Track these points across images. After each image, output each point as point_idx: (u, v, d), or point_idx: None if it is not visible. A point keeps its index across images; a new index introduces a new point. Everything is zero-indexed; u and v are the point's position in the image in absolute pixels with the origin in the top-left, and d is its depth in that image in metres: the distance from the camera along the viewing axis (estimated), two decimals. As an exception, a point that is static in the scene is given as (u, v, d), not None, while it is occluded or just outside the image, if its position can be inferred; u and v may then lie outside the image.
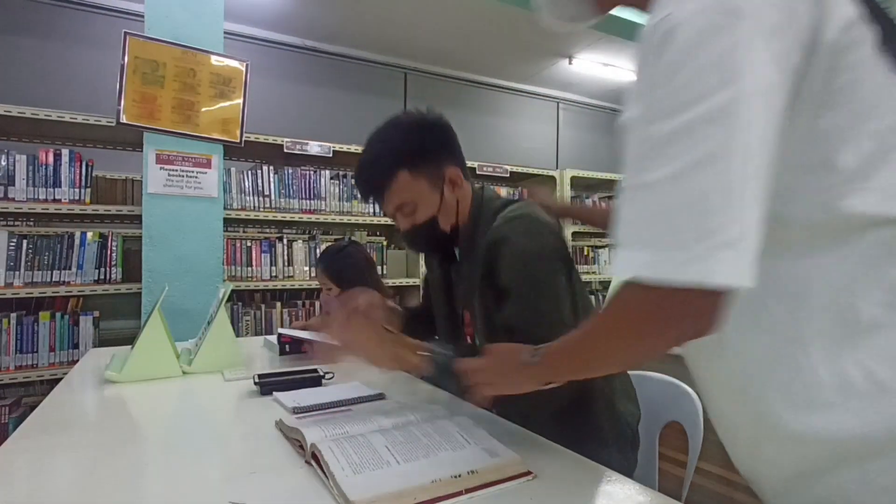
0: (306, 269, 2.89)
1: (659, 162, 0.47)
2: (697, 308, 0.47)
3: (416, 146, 1.00)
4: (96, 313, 2.39)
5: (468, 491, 0.67)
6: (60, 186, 2.30)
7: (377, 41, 4.44)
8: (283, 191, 2.84)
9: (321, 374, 1.24)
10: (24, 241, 2.25)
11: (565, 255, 1.00)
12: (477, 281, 1.02)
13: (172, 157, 2.39)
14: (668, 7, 0.48)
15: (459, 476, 0.68)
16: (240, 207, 2.72)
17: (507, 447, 0.76)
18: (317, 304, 2.98)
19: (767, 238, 0.47)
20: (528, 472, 0.72)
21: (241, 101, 2.52)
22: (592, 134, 6.13)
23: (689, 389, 1.07)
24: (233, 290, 2.57)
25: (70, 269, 2.32)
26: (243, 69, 2.53)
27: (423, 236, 1.05)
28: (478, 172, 3.41)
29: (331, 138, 3.04)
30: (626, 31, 3.78)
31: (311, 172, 2.93)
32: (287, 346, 1.68)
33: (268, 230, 3.21)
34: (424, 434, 0.80)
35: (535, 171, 3.89)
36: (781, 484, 0.59)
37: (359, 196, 3.04)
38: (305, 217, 2.89)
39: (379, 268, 2.92)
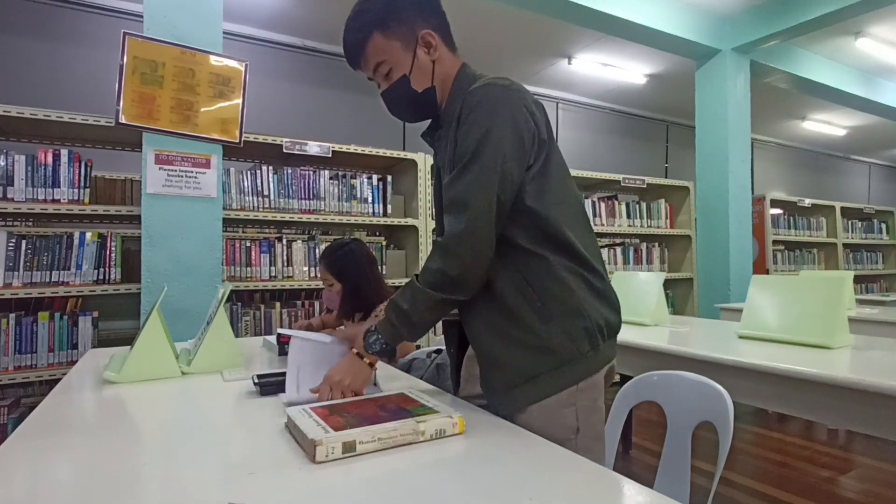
0: (305, 269, 2.89)
1: None
2: None
3: (386, 8, 1.04)
4: (95, 314, 2.39)
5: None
6: (59, 186, 2.30)
7: (376, 41, 4.43)
8: (282, 191, 2.84)
9: (320, 374, 1.24)
10: (23, 242, 2.24)
11: (535, 130, 0.99)
12: (447, 148, 1.03)
13: (171, 157, 2.39)
14: None
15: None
16: (239, 207, 2.72)
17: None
18: (316, 304, 2.98)
19: None
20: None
21: (240, 101, 2.52)
22: (592, 134, 6.13)
23: (721, 389, 1.07)
24: (232, 291, 2.57)
25: (69, 269, 2.32)
26: (242, 69, 2.53)
27: (398, 97, 1.08)
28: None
29: (330, 138, 3.04)
30: (626, 32, 3.78)
31: (311, 172, 2.93)
32: (286, 346, 1.68)
33: (267, 230, 3.21)
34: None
35: (535, 171, 3.89)
36: None
37: (358, 196, 3.04)
38: (305, 217, 2.89)
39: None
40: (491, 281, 0.99)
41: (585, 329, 0.97)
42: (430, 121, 1.16)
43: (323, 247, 2.93)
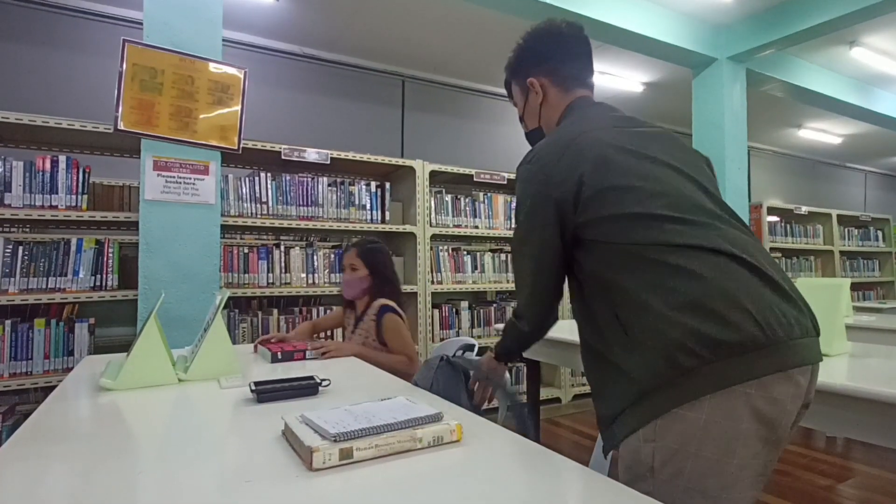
0: (303, 275, 2.89)
1: None
2: None
3: (515, 58, 1.23)
4: (92, 320, 2.38)
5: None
6: (57, 193, 2.30)
7: (375, 49, 4.46)
8: (280, 198, 2.84)
9: (318, 381, 1.24)
10: (20, 248, 2.24)
11: (565, 188, 0.96)
12: None
13: (170, 163, 2.39)
14: None
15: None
16: (237, 214, 2.72)
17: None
18: (314, 311, 2.97)
19: None
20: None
21: (238, 108, 2.53)
22: (589, 141, 6.15)
23: None
24: (229, 297, 2.57)
25: (66, 275, 2.31)
26: (241, 76, 2.53)
27: (526, 135, 1.28)
28: (475, 180, 3.42)
29: (328, 145, 3.05)
30: (622, 41, 3.81)
31: (309, 179, 2.93)
32: (279, 354, 1.67)
33: (265, 237, 3.20)
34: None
35: (533, 179, 3.89)
36: None
37: (356, 203, 3.05)
38: (303, 224, 2.89)
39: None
40: (588, 314, 0.97)
41: (663, 350, 0.83)
42: None
43: (321, 253, 2.95)
